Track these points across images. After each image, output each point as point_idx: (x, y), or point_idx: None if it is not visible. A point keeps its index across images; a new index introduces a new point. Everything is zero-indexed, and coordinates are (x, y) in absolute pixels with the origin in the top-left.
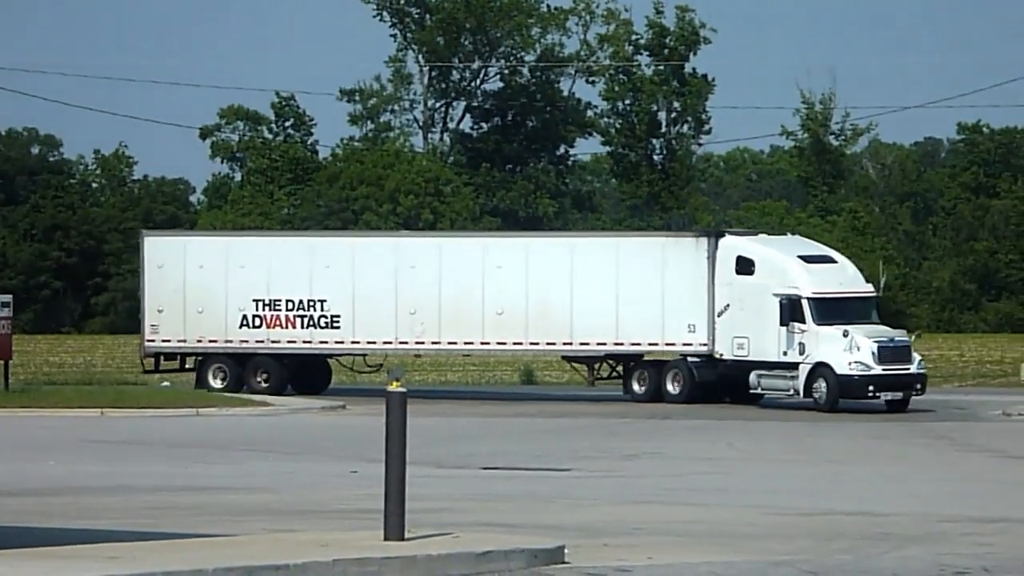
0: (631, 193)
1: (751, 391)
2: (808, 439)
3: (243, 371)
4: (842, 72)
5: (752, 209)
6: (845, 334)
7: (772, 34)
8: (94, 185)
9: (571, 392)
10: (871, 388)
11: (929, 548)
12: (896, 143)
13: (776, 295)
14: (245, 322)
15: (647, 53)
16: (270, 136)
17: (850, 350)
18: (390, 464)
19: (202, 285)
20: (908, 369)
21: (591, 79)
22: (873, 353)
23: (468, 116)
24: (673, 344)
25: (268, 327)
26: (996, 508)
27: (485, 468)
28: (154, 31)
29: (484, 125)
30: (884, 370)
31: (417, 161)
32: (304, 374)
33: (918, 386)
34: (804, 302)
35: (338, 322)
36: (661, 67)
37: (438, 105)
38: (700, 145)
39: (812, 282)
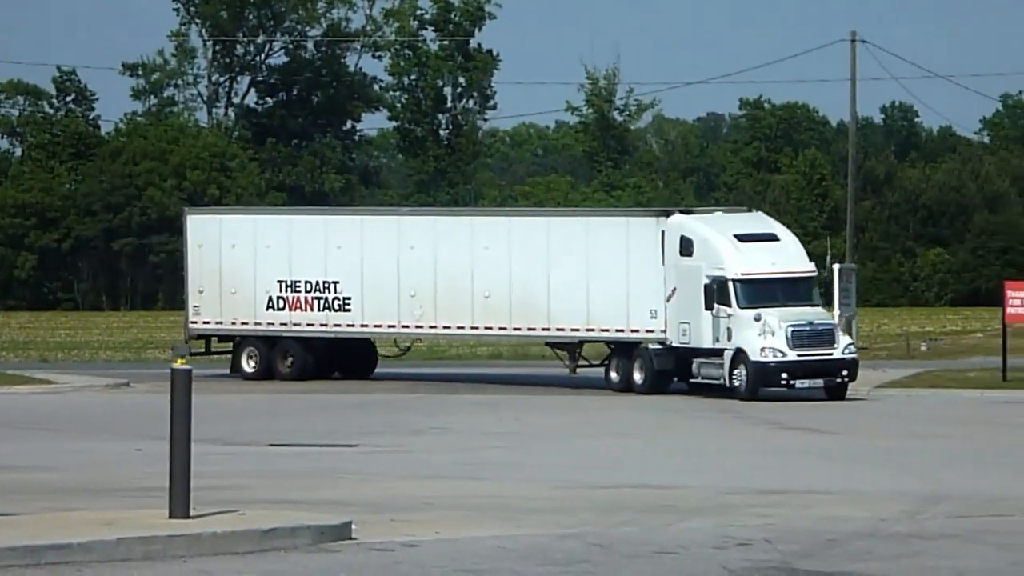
0: (418, 168)
1: (692, 380)
2: (596, 413)
3: (271, 355)
4: (626, 48)
5: (538, 184)
6: (757, 318)
7: (557, 10)
8: None
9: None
10: (784, 375)
11: (713, 520)
12: (679, 118)
13: (707, 277)
14: (271, 304)
15: (432, 28)
16: (51, 111)
17: (764, 335)
18: (175, 442)
19: (235, 265)
20: (830, 355)
21: (377, 54)
22: (787, 338)
23: (253, 91)
24: (637, 331)
25: (291, 309)
26: (778, 480)
27: (272, 445)
28: None
29: (269, 100)
30: (799, 356)
31: (202, 136)
32: (346, 358)
33: (844, 373)
34: (730, 284)
35: (349, 304)
36: (446, 42)
37: (222, 80)
38: (486, 120)
39: (740, 262)
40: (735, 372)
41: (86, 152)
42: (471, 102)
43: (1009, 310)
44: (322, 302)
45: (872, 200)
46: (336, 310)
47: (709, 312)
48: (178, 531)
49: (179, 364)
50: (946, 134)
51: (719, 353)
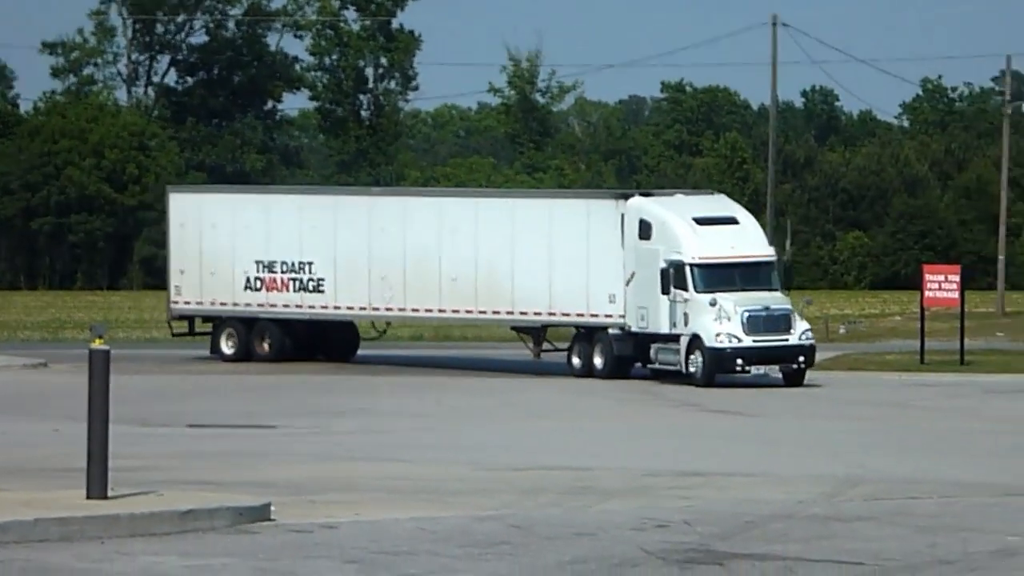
0: (339, 149)
1: (649, 365)
2: (517, 395)
3: (250, 336)
4: (549, 30)
5: (460, 166)
6: (713, 303)
7: None
8: None
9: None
10: (739, 361)
11: (632, 502)
12: (601, 101)
13: (664, 261)
14: (248, 285)
15: (354, 8)
16: None
17: (719, 320)
18: (93, 422)
19: (215, 245)
20: (786, 340)
21: (298, 34)
22: (742, 323)
23: (173, 70)
24: (597, 315)
25: (267, 290)
26: (698, 462)
27: (191, 426)
28: None
29: (189, 79)
30: (755, 342)
31: (121, 115)
32: (326, 341)
33: (801, 359)
34: (687, 268)
35: (323, 286)
36: (368, 23)
37: (142, 59)
38: (408, 101)
39: (697, 246)
40: (691, 358)
41: (5, 131)
42: (393, 83)
43: (927, 294)
44: (297, 283)
45: (792, 184)
46: (310, 291)
47: (666, 297)
48: (96, 512)
49: (97, 344)
50: (866, 118)
51: (676, 339)
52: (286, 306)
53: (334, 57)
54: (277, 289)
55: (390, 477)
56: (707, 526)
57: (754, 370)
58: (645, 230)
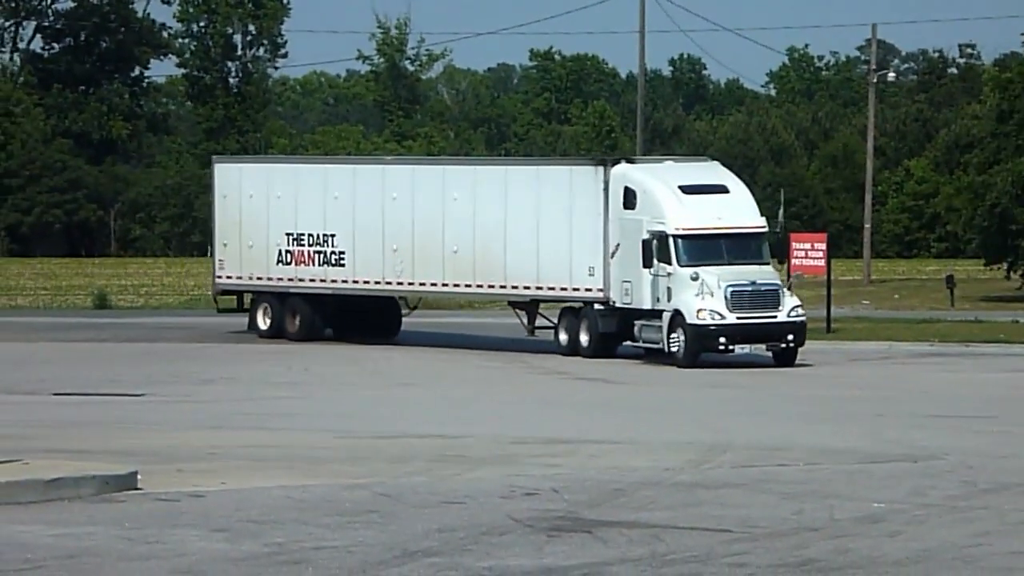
0: (207, 116)
1: (633, 343)
2: (383, 362)
3: (282, 312)
4: None
5: (329, 133)
6: (695, 277)
7: None
8: None
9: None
10: (722, 340)
11: (501, 470)
12: (470, 69)
13: (647, 232)
14: (280, 258)
15: None
16: None
17: (701, 295)
18: None
19: (252, 217)
20: (773, 317)
21: (166, 0)
22: (726, 298)
23: (39, 36)
24: (577, 289)
25: (296, 264)
26: (567, 430)
27: (57, 394)
28: None
29: (56, 45)
30: (739, 319)
31: None
32: (363, 318)
33: (789, 337)
34: (670, 240)
35: (344, 259)
36: None
37: (8, 24)
38: (276, 69)
39: (682, 216)
40: (672, 336)
41: None
42: (261, 50)
43: (794, 262)
44: (321, 256)
45: (660, 152)
46: (333, 265)
47: (648, 270)
48: None
49: None
50: (733, 87)
51: (659, 315)
52: (312, 281)
53: (202, 24)
54: (304, 263)
55: (257, 445)
56: (575, 494)
57: (739, 349)
58: (630, 199)
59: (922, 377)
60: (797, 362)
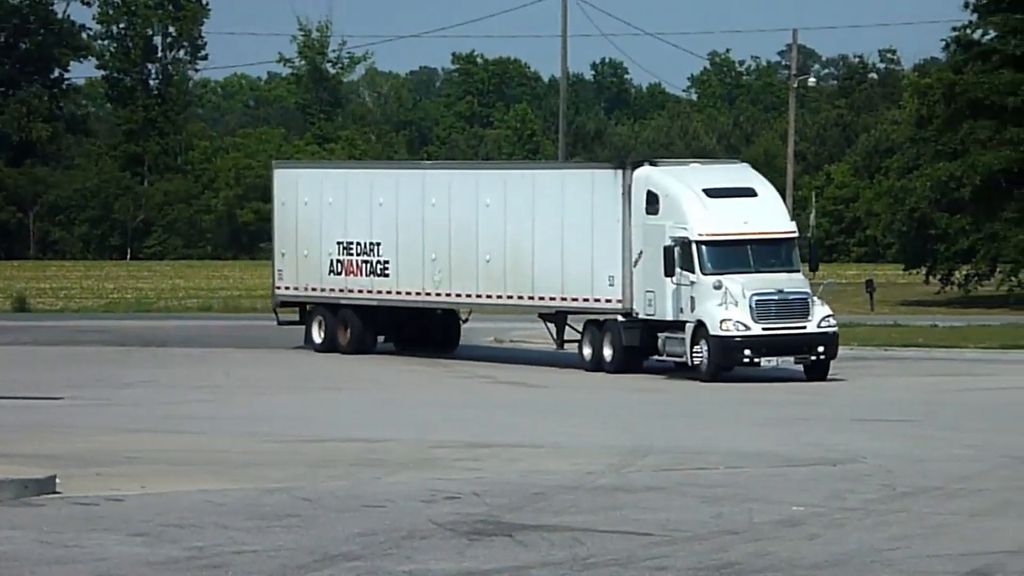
0: (127, 118)
1: (657, 357)
2: (304, 367)
3: (335, 324)
4: (338, 0)
5: (250, 135)
6: (717, 286)
7: None
8: None
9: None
10: (747, 352)
11: (421, 473)
12: (392, 72)
13: (669, 238)
14: (332, 268)
15: None
16: None
17: (724, 305)
18: None
19: (307, 224)
20: (803, 328)
21: (86, 1)
22: (751, 308)
23: None
24: (599, 300)
25: (346, 274)
26: (487, 433)
27: None
28: None
29: None
30: (764, 330)
31: None
32: (419, 331)
33: (820, 349)
34: (693, 246)
35: (388, 269)
36: None
37: None
38: (197, 71)
39: (705, 221)
40: (696, 348)
41: None
42: (181, 52)
43: None
44: (368, 266)
45: (582, 156)
46: (379, 275)
47: (670, 279)
48: None
49: None
50: (655, 91)
51: (683, 327)
52: (360, 291)
53: (121, 25)
54: (354, 273)
55: (176, 449)
56: (496, 497)
57: (765, 362)
58: (652, 203)
59: (841, 381)
60: (829, 376)
